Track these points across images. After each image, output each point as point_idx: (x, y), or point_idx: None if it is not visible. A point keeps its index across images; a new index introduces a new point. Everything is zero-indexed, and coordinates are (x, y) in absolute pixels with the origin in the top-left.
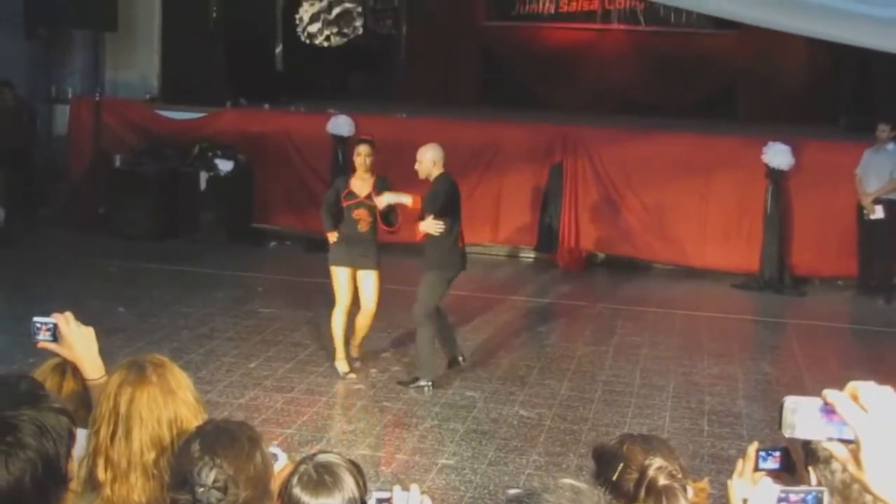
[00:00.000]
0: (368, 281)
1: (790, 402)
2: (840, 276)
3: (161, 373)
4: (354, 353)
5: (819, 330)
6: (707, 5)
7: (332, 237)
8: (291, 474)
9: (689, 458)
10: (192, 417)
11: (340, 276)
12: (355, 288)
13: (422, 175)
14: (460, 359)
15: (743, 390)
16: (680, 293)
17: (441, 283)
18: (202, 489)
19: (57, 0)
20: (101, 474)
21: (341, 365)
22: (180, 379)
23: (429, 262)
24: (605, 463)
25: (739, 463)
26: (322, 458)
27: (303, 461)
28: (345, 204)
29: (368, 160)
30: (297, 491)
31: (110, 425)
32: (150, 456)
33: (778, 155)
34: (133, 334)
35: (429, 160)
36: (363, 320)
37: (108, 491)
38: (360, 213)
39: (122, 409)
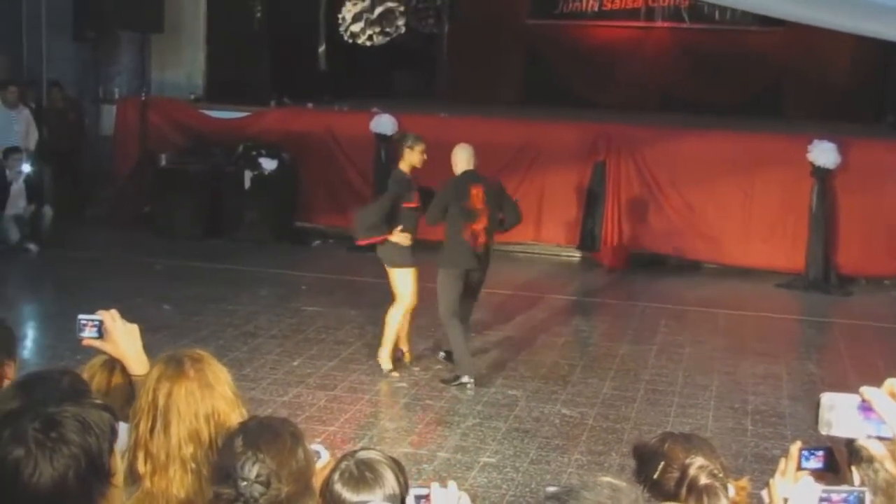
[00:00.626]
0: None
1: (827, 399)
2: (887, 276)
3: (199, 367)
4: (406, 349)
5: (866, 330)
6: (751, 2)
7: (406, 239)
8: (333, 470)
9: (732, 457)
10: (231, 412)
11: (410, 276)
12: None
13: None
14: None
15: (787, 390)
16: (724, 292)
17: (451, 280)
18: (245, 483)
19: (104, 2)
20: (140, 467)
21: (387, 362)
22: (218, 373)
23: (439, 261)
24: (646, 461)
25: (782, 462)
26: (363, 454)
27: (344, 458)
28: (407, 206)
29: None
30: (338, 487)
31: (149, 419)
32: (189, 450)
33: (824, 153)
34: (178, 332)
35: (454, 162)
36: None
37: (147, 483)
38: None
39: (161, 402)
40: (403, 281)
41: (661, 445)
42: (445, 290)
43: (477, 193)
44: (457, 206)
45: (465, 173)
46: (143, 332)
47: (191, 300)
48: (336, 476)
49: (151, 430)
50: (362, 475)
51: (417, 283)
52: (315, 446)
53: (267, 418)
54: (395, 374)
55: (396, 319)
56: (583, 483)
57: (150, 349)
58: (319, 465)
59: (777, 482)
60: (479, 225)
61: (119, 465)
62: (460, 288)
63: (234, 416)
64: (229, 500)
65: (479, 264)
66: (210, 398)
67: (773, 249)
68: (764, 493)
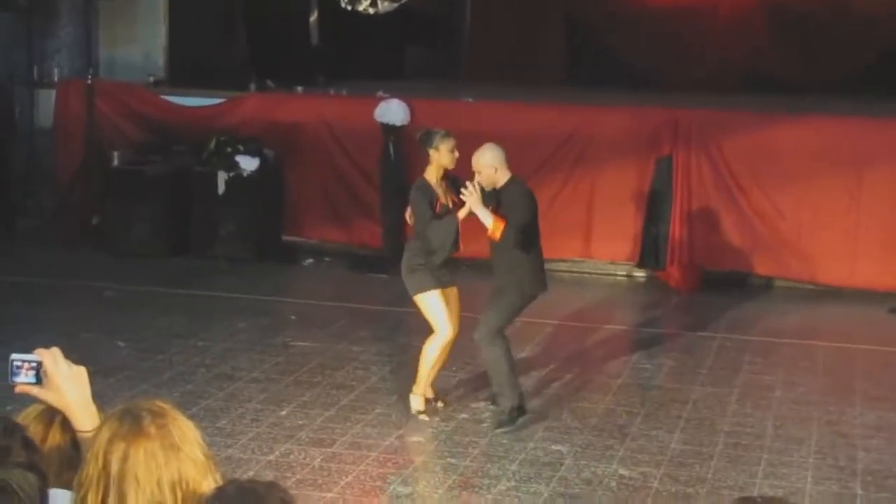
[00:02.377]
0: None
1: None
2: None
3: (161, 423)
4: (429, 392)
5: None
6: None
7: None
8: None
9: None
10: (202, 478)
11: (441, 300)
12: None
13: (486, 185)
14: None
15: None
16: (824, 320)
17: (523, 303)
18: None
19: None
20: None
21: (419, 401)
22: (185, 430)
23: (512, 281)
24: None
25: None
26: None
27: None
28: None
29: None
30: None
31: (100, 490)
32: None
33: None
34: (135, 374)
35: (489, 166)
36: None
37: None
38: None
39: (114, 469)
40: (432, 307)
41: None
42: (510, 310)
43: None
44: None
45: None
46: (93, 376)
47: (151, 335)
48: None
49: None
50: None
51: (456, 305)
52: None
53: (249, 482)
54: (425, 416)
55: (433, 354)
56: None
57: (101, 397)
58: None
59: None
60: None
61: None
62: None
63: (206, 483)
64: None
65: None
66: (176, 462)
67: (887, 266)
68: None
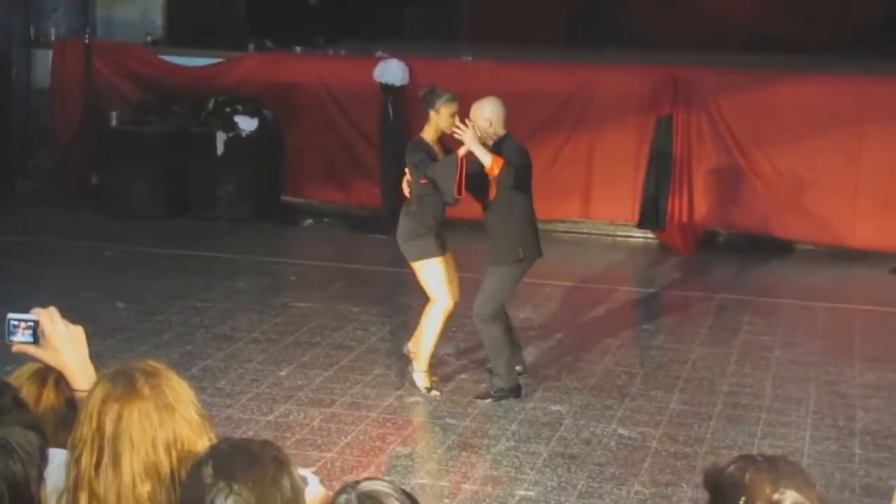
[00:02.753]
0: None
1: None
2: None
3: (155, 384)
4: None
5: None
6: None
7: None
8: None
9: (835, 489)
10: (197, 438)
11: (444, 267)
12: None
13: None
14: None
15: None
16: (823, 280)
17: (519, 276)
18: None
19: None
20: None
21: (424, 378)
22: (179, 390)
23: (501, 253)
24: (721, 495)
25: None
26: (367, 486)
27: (343, 490)
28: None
29: None
30: None
31: (94, 451)
32: (145, 488)
33: None
34: (135, 335)
35: (485, 119)
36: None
37: None
38: None
39: (108, 430)
40: (435, 275)
41: (741, 474)
42: (504, 287)
43: None
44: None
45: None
46: (91, 337)
47: (151, 296)
48: None
49: (97, 465)
50: None
51: (455, 271)
52: (302, 472)
53: (242, 440)
54: (436, 392)
55: (436, 325)
56: None
57: (99, 358)
58: (309, 498)
59: None
60: None
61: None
62: None
63: (201, 443)
64: None
65: None
66: (170, 422)
67: (888, 226)
68: None
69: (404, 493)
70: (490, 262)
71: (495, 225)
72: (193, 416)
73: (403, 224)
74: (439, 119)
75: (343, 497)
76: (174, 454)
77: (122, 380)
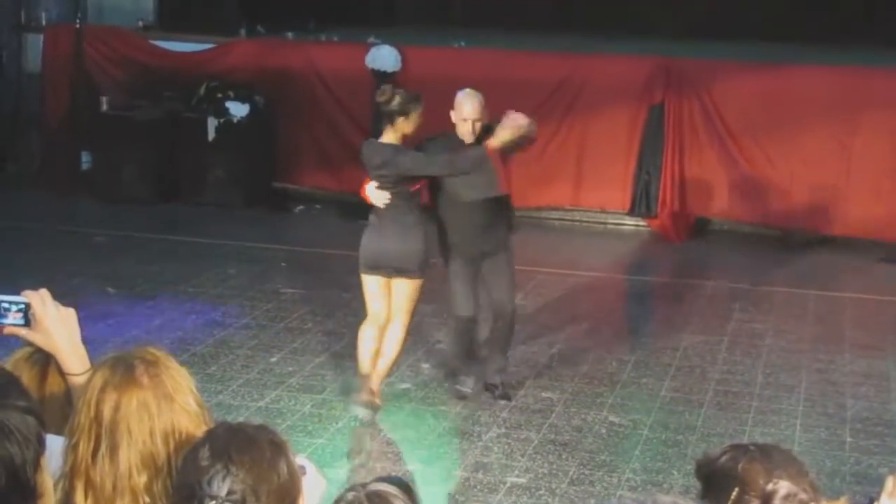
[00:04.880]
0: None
1: None
2: None
3: (154, 372)
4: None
5: None
6: None
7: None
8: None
9: (826, 477)
10: (195, 429)
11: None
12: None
13: (476, 134)
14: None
15: None
16: (815, 268)
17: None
18: (214, 503)
19: None
20: (80, 500)
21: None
22: (179, 380)
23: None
24: (714, 485)
25: (889, 481)
26: (376, 486)
27: (353, 487)
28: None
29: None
30: None
31: (91, 439)
32: (142, 479)
33: None
34: (125, 321)
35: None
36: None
37: None
38: None
39: (106, 418)
40: (416, 294)
41: (734, 464)
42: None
43: None
44: None
45: None
46: (83, 322)
47: (141, 281)
48: None
49: (94, 454)
50: None
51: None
52: (299, 460)
53: (239, 424)
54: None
55: (402, 346)
56: (638, 502)
57: (90, 344)
58: (311, 488)
59: None
60: None
61: (49, 484)
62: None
63: (200, 433)
64: None
65: None
66: (169, 412)
67: (878, 214)
68: None
69: (411, 496)
70: (501, 247)
71: (494, 213)
72: (192, 406)
73: (407, 238)
74: (407, 125)
75: (352, 494)
76: (172, 444)
77: (121, 368)
